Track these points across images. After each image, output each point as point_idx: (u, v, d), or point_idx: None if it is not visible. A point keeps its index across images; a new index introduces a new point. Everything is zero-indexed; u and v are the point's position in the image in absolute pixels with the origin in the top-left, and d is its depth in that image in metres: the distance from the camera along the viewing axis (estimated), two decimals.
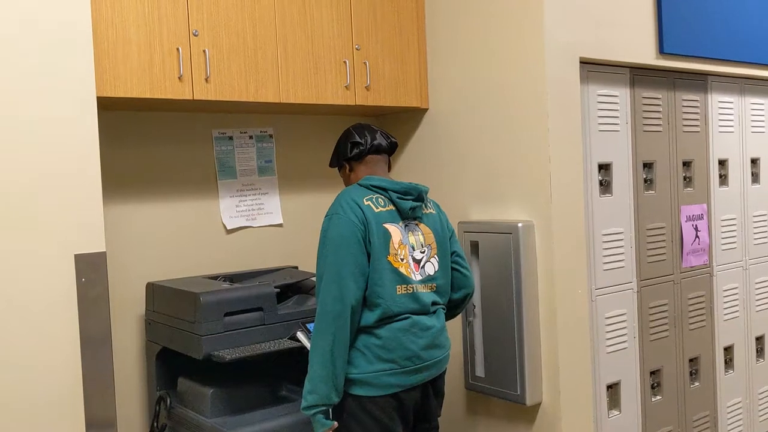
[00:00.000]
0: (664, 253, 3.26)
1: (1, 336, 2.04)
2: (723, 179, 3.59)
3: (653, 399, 3.21)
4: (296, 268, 3.13)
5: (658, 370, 3.23)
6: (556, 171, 2.76)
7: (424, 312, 2.31)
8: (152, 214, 2.92)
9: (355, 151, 2.41)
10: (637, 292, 3.14)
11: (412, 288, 2.28)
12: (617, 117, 3.06)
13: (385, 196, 2.32)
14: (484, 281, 2.91)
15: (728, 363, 3.59)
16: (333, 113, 3.36)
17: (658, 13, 3.11)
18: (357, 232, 2.20)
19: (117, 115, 2.83)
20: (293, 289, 2.82)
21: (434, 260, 2.38)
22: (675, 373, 3.30)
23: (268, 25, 2.78)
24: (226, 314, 2.47)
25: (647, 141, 3.19)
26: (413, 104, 3.22)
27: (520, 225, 2.77)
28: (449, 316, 2.50)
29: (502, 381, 2.86)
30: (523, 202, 2.85)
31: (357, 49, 3.03)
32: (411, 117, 3.36)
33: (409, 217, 2.35)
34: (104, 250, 2.20)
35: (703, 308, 3.45)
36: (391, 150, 2.48)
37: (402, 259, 2.28)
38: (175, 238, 2.97)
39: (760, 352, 3.77)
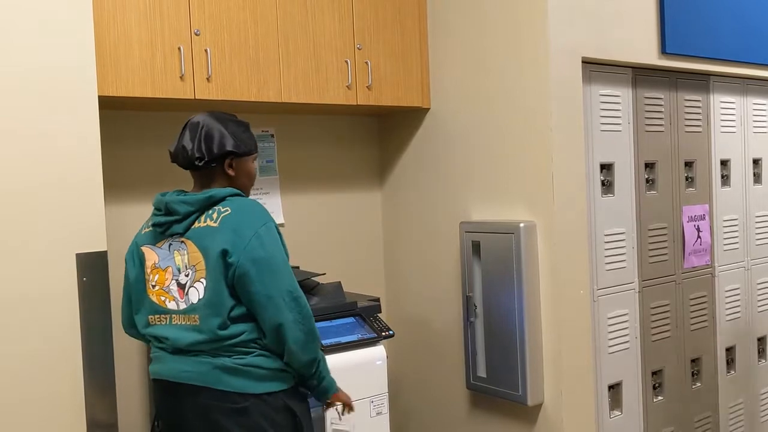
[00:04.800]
0: (666, 254, 3.25)
1: (2, 335, 2.03)
2: (725, 179, 3.58)
3: (655, 399, 3.21)
4: (297, 267, 3.12)
5: (659, 371, 3.22)
6: (558, 171, 2.75)
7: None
8: None
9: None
10: (639, 292, 3.13)
11: (166, 319, 2.05)
12: (619, 117, 3.05)
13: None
14: (485, 281, 2.91)
15: (730, 364, 3.59)
16: (335, 113, 3.36)
17: (660, 13, 3.11)
18: (128, 255, 2.18)
19: (118, 114, 2.82)
20: None
21: (200, 284, 1.98)
22: (676, 373, 3.30)
23: (270, 25, 2.77)
24: None
25: (649, 141, 3.18)
26: (415, 104, 3.22)
27: (522, 225, 2.77)
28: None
29: (503, 381, 2.85)
30: (525, 202, 2.85)
31: (359, 48, 3.02)
32: (413, 117, 3.36)
33: (164, 235, 2.07)
34: (106, 249, 2.19)
35: (704, 309, 3.44)
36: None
37: (154, 286, 2.06)
38: None
39: (761, 353, 3.76)
